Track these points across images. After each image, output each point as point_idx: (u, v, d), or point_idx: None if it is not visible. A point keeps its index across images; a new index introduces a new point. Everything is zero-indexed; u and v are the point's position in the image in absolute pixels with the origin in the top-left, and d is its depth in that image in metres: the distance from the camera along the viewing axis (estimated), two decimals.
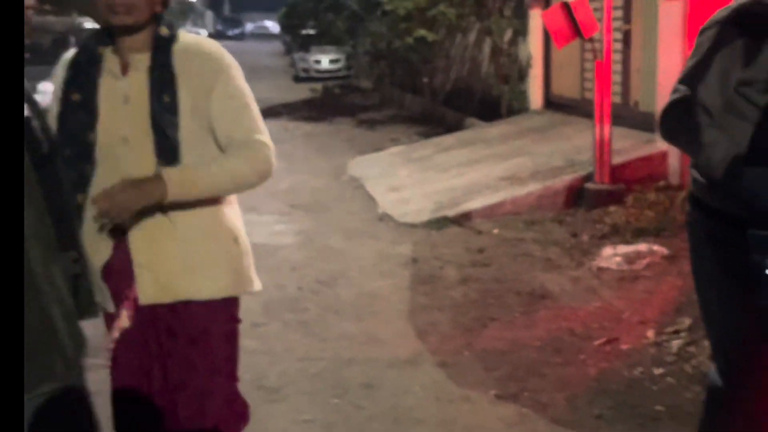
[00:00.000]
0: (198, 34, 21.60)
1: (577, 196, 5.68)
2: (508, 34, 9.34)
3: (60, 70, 1.94)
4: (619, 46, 6.97)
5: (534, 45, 8.91)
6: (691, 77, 1.91)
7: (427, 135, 9.59)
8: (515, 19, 9.22)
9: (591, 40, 5.57)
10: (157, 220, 1.84)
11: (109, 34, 1.89)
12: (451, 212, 5.71)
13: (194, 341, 1.95)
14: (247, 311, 4.10)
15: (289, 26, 23.72)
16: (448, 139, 8.66)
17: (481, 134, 8.48)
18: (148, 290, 1.87)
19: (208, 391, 1.97)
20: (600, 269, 4.36)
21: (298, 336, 3.73)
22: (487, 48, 9.92)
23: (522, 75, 9.12)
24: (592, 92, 5.83)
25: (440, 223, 5.59)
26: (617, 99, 6.95)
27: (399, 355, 3.43)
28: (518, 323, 3.75)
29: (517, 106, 9.09)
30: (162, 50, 1.87)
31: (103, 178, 1.82)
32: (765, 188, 1.72)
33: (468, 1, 9.51)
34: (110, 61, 1.89)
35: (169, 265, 1.86)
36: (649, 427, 2.73)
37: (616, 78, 6.91)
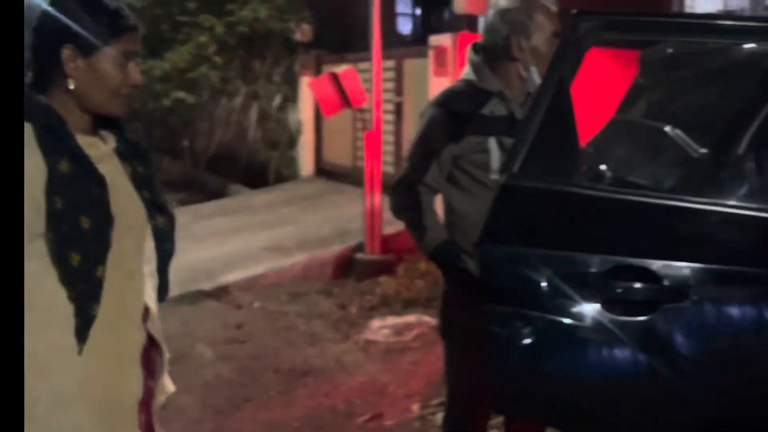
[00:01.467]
0: None
1: (346, 266, 5.79)
2: (277, 100, 9.55)
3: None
4: (391, 117, 7.42)
5: (305, 111, 9.19)
6: (412, 156, 2.27)
7: (185, 202, 9.30)
8: (285, 85, 9.47)
9: (361, 110, 5.87)
10: None
11: None
12: (207, 285, 5.52)
13: None
14: None
15: None
16: (209, 206, 8.49)
17: (245, 202, 8.43)
18: None
19: None
20: (367, 342, 4.43)
21: None
22: (254, 113, 10.03)
23: (292, 141, 9.32)
24: (364, 161, 6.09)
25: (194, 297, 5.35)
26: (390, 169, 7.33)
27: None
28: (276, 403, 3.65)
29: (287, 173, 9.22)
30: None
31: None
32: (496, 264, 1.84)
33: (233, 65, 9.60)
34: None
35: None
36: None
37: (389, 148, 7.31)
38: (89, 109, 1.55)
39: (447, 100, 2.28)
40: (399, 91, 7.48)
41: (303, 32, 9.21)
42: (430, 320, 4.57)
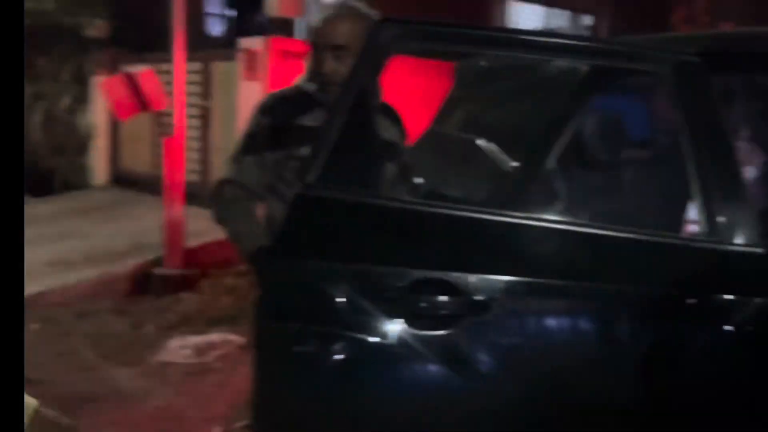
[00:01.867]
0: None
1: (143, 282, 5.47)
2: (66, 101, 8.92)
3: None
4: (197, 122, 7.15)
5: (98, 114, 8.67)
6: (234, 160, 2.27)
7: None
8: (75, 85, 8.87)
9: (162, 114, 5.59)
10: None
11: None
12: None
13: None
14: None
15: None
16: None
17: (26, 212, 7.73)
18: None
19: None
20: (164, 364, 4.18)
21: None
22: (38, 114, 9.30)
23: (82, 146, 8.75)
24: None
25: None
26: (195, 177, 7.04)
27: None
28: None
29: (77, 181, 8.62)
30: None
31: None
32: (288, 278, 1.79)
33: None
34: None
35: None
36: None
37: (194, 156, 7.04)
38: None
39: (271, 105, 2.29)
40: (206, 95, 7.23)
41: (98, 28, 8.70)
42: (237, 338, 4.41)
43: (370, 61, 1.83)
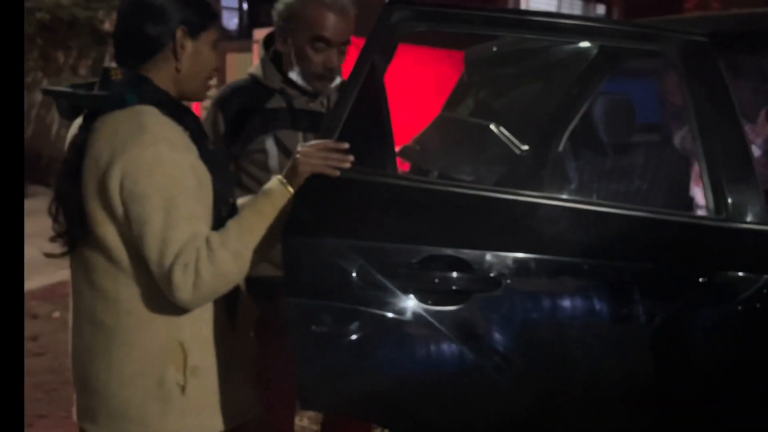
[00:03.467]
0: None
1: None
2: None
3: None
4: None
5: None
6: None
7: None
8: (93, 79, 8.92)
9: None
10: None
11: None
12: None
13: None
14: None
15: None
16: None
17: (46, 203, 7.81)
18: None
19: None
20: None
21: None
22: None
23: None
24: None
25: None
26: None
27: None
28: (73, 420, 3.35)
29: None
30: None
31: None
32: (303, 256, 1.78)
33: (31, 55, 8.88)
34: None
35: None
36: None
37: None
38: (183, 94, 1.68)
39: (226, 96, 2.20)
40: (222, 85, 7.25)
41: (113, 22, 8.74)
42: None
43: (380, 42, 1.84)
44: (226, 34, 9.90)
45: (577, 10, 10.43)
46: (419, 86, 5.26)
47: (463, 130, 3.31)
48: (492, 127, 2.98)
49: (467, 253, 1.71)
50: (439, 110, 3.46)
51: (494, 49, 3.19)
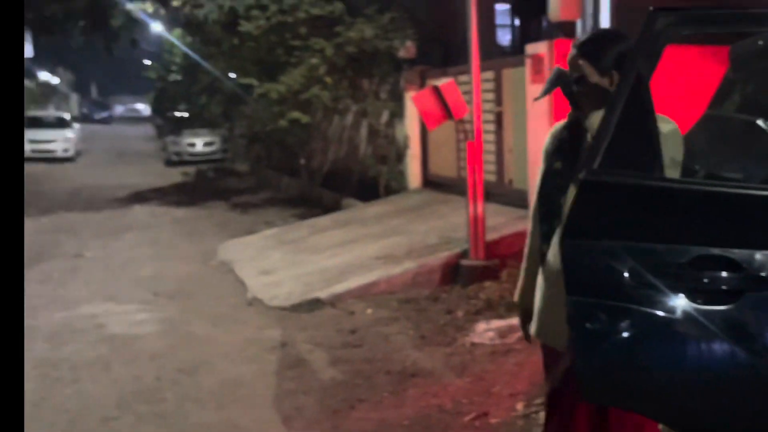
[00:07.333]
0: (63, 117, 20.29)
1: (452, 273, 5.85)
2: (385, 116, 9.73)
3: (550, 137, 2.29)
4: (492, 126, 7.41)
5: (411, 126, 9.32)
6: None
7: (303, 217, 9.65)
8: (391, 101, 9.64)
9: (462, 121, 5.91)
10: None
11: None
12: (323, 294, 5.72)
13: None
14: (97, 405, 3.88)
15: (160, 109, 23.57)
16: (324, 220, 8.76)
17: (357, 214, 8.64)
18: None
19: None
20: (473, 345, 4.47)
21: (152, 428, 3.59)
22: (364, 129, 10.26)
23: (399, 155, 9.47)
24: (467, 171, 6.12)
25: (311, 305, 5.57)
26: (492, 177, 7.33)
27: None
28: (387, 403, 3.75)
29: (396, 186, 9.38)
30: None
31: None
32: (580, 258, 1.83)
33: (342, 84, 9.87)
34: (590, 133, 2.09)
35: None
36: None
37: (490, 157, 7.31)
38: None
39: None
40: (499, 100, 7.45)
41: (407, 49, 9.34)
42: None
43: (647, 50, 1.85)
44: (500, 50, 10.10)
45: None
46: (684, 86, 4.98)
47: (729, 127, 3.13)
48: (760, 122, 2.79)
49: (737, 253, 1.69)
50: (704, 109, 3.30)
51: (760, 43, 2.98)
